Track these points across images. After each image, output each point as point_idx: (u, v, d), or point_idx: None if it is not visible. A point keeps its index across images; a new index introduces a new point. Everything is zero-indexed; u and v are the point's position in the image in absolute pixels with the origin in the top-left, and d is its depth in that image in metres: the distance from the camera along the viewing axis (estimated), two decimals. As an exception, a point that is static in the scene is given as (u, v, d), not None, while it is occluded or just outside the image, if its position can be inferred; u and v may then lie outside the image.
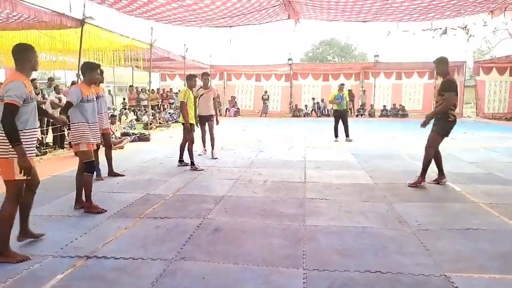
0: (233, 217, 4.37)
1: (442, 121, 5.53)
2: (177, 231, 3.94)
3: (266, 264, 3.18)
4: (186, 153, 7.23)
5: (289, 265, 3.16)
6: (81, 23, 8.87)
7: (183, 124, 7.14)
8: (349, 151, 9.10)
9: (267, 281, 2.90)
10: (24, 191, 3.34)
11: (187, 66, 17.74)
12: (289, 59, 22.94)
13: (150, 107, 16.01)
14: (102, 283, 2.90)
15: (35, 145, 3.46)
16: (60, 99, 9.85)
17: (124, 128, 13.90)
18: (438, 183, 5.84)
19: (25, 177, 3.19)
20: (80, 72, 5.28)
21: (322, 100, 22.67)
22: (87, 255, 3.34)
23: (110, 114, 9.19)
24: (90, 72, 4.78)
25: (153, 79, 20.34)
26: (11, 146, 3.10)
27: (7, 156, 3.15)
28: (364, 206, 4.77)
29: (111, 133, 8.30)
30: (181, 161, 7.29)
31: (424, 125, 5.70)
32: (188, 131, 7.06)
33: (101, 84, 5.96)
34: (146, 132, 12.47)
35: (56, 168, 6.89)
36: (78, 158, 4.80)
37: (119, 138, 10.49)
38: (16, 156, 3.12)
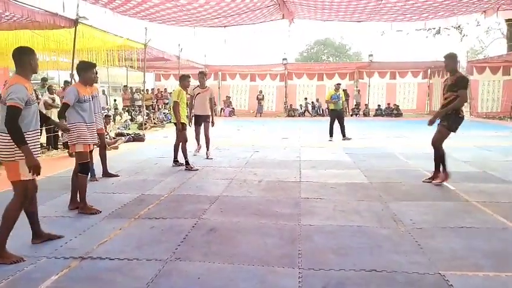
0: (228, 217, 4.37)
1: (453, 116, 5.55)
2: (172, 231, 3.93)
3: (261, 264, 3.18)
4: (180, 153, 7.23)
5: (284, 265, 3.16)
6: (75, 23, 8.83)
7: (175, 124, 7.13)
8: (344, 150, 9.13)
9: (263, 281, 2.91)
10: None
11: (181, 66, 17.71)
12: (283, 59, 22.97)
13: (144, 107, 15.95)
14: (97, 284, 2.88)
15: (38, 146, 3.52)
16: (53, 100, 9.80)
17: (118, 128, 13.85)
18: (431, 181, 5.86)
19: (34, 176, 3.28)
20: (75, 72, 5.25)
21: (317, 100, 22.71)
22: (81, 256, 3.32)
23: (104, 115, 9.15)
24: (86, 71, 4.75)
25: (148, 79, 20.28)
26: (16, 149, 3.17)
27: (13, 159, 3.23)
28: (359, 205, 4.79)
29: (106, 133, 8.26)
30: (176, 161, 7.28)
31: (431, 123, 5.79)
32: (180, 130, 7.04)
33: (94, 84, 5.94)
34: (141, 132, 12.44)
35: (50, 169, 6.85)
36: (73, 158, 4.78)
37: (113, 138, 10.45)
38: (21, 157, 3.19)
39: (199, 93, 7.95)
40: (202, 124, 8.10)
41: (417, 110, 23.32)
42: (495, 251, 3.39)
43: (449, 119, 5.58)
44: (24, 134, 3.20)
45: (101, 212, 4.52)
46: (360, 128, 14.52)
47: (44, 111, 8.46)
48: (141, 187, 5.73)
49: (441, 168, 5.76)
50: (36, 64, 3.43)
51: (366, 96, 22.99)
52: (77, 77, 5.21)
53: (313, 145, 10.18)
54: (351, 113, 21.79)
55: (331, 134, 11.26)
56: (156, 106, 19.61)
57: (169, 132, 12.56)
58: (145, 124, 14.58)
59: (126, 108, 18.14)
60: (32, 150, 3.24)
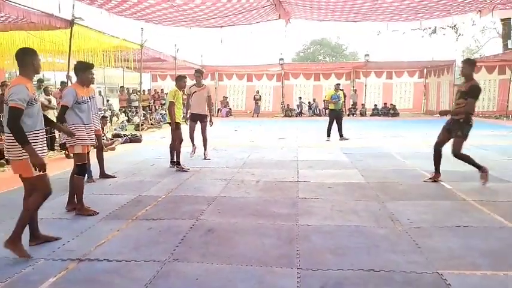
0: (226, 218, 4.37)
1: (465, 125, 5.57)
2: (170, 232, 3.93)
3: (259, 264, 3.18)
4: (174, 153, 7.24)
5: (282, 265, 3.16)
6: (71, 23, 8.79)
7: (170, 124, 7.11)
8: (341, 150, 9.14)
9: (261, 281, 2.90)
10: (28, 197, 3.50)
11: (178, 66, 17.68)
12: (280, 59, 22.97)
13: (141, 108, 15.92)
14: (94, 286, 2.88)
15: (45, 144, 3.59)
16: (49, 101, 9.77)
17: (115, 129, 13.82)
18: (434, 181, 5.90)
19: (44, 173, 3.38)
20: (72, 73, 5.22)
21: (314, 100, 22.75)
22: (79, 258, 3.31)
23: (100, 116, 9.13)
24: (84, 72, 4.73)
25: (144, 80, 20.24)
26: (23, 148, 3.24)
27: (21, 158, 3.30)
28: (356, 205, 4.80)
29: (102, 134, 8.24)
30: (172, 162, 7.26)
31: (442, 114, 6.17)
32: (173, 129, 7.02)
33: (91, 85, 5.92)
34: (137, 133, 12.41)
35: (47, 170, 6.81)
36: (70, 159, 4.77)
37: (110, 139, 10.42)
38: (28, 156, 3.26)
39: (195, 91, 7.86)
40: (199, 123, 8.00)
41: (414, 110, 23.41)
42: (492, 250, 3.40)
43: (462, 128, 5.58)
44: (31, 132, 3.31)
45: (98, 213, 4.51)
46: (356, 127, 14.54)
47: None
48: (139, 188, 5.72)
49: (477, 168, 5.76)
50: (39, 65, 3.51)
51: (363, 96, 23.06)
52: (73, 79, 5.20)
53: (311, 145, 10.20)
54: (347, 113, 21.83)
55: (328, 134, 11.28)
56: (153, 107, 19.58)
57: (166, 133, 12.52)
58: (142, 125, 14.55)
59: (123, 109, 18.09)
60: (40, 149, 3.37)
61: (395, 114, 21.55)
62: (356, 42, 64.47)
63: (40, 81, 11.91)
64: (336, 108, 11.42)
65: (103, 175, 6.41)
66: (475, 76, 5.76)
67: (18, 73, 3.61)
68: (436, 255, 3.29)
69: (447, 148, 5.68)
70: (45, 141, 3.62)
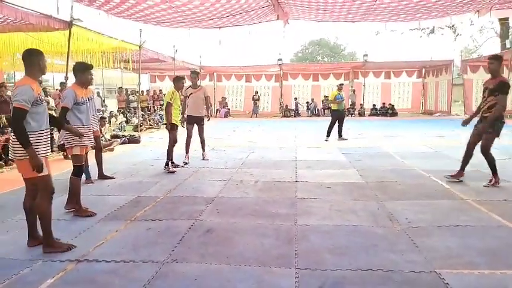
0: (225, 218, 4.37)
1: (498, 123, 5.48)
2: (169, 233, 3.93)
3: (258, 264, 3.18)
4: (174, 154, 7.23)
5: (281, 265, 3.17)
6: (69, 25, 8.79)
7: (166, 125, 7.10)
8: (339, 150, 9.15)
9: (260, 281, 2.91)
10: (29, 197, 3.58)
11: (176, 67, 17.67)
12: (279, 60, 22.98)
13: (139, 108, 15.92)
14: (93, 287, 2.88)
15: (49, 144, 3.63)
16: (48, 102, 9.76)
17: (114, 130, 13.81)
18: (456, 180, 5.86)
19: (46, 173, 3.44)
20: (72, 74, 5.22)
21: (313, 100, 22.76)
22: (77, 258, 3.31)
23: (99, 117, 9.13)
24: (83, 73, 4.73)
25: (143, 81, 20.22)
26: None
27: (26, 157, 3.32)
28: (355, 205, 4.80)
29: (101, 135, 8.24)
30: (171, 162, 7.26)
31: (466, 123, 5.96)
32: (169, 130, 7.00)
33: (89, 86, 5.91)
34: (136, 134, 12.41)
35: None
36: (68, 160, 4.77)
37: (109, 140, 10.42)
38: (39, 155, 3.32)
39: (191, 93, 7.74)
40: (195, 126, 7.84)
41: (412, 109, 23.44)
42: (490, 249, 3.41)
43: (494, 126, 5.48)
44: (37, 132, 3.36)
45: (96, 214, 4.51)
46: (355, 127, 14.56)
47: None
48: (137, 189, 5.72)
49: (492, 172, 5.69)
50: (45, 65, 3.55)
51: (361, 96, 23.08)
52: (70, 80, 5.19)
53: (309, 145, 10.20)
54: (346, 113, 21.84)
55: (328, 134, 11.23)
56: (152, 108, 19.56)
57: (165, 133, 12.50)
58: (140, 126, 14.54)
59: (121, 110, 18.06)
60: (44, 149, 3.43)
61: (393, 114, 21.58)
62: (354, 42, 64.57)
63: (38, 82, 11.91)
64: (340, 108, 11.42)
65: (102, 176, 6.41)
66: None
67: (15, 74, 3.65)
68: (434, 255, 3.30)
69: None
70: (49, 142, 3.66)
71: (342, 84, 12.25)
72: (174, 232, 3.93)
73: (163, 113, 18.16)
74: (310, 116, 22.03)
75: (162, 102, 20.56)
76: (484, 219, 4.21)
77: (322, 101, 22.76)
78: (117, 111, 18.01)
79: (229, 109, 22.95)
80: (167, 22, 9.49)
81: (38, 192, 3.49)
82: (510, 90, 5.48)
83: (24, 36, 9.91)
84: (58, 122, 4.27)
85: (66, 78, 9.64)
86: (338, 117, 11.32)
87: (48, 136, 3.59)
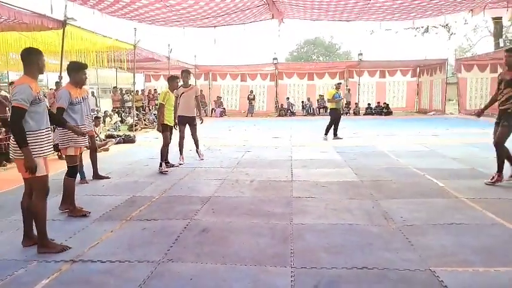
0: (220, 217, 4.37)
1: None
2: (164, 233, 3.92)
3: (254, 263, 3.18)
4: (170, 154, 7.20)
5: (277, 264, 3.17)
6: (63, 24, 8.73)
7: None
8: (335, 149, 9.17)
9: (255, 280, 2.91)
10: (27, 197, 3.57)
11: (171, 66, 17.62)
12: (274, 59, 22.97)
13: (134, 108, 15.87)
14: (88, 287, 2.87)
15: (51, 143, 3.63)
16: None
17: (108, 130, 13.75)
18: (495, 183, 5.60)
19: (47, 172, 3.46)
20: (65, 74, 5.20)
21: (309, 99, 22.78)
22: (72, 259, 3.29)
23: (93, 116, 9.08)
24: (77, 72, 4.71)
25: (137, 80, 20.17)
26: (31, 147, 3.29)
27: None
28: (350, 204, 4.82)
29: (95, 135, 8.20)
30: (167, 162, 7.24)
31: (479, 115, 5.90)
32: (160, 131, 6.95)
33: (84, 86, 5.88)
34: (131, 133, 12.36)
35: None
36: (62, 161, 4.75)
37: (104, 140, 10.38)
38: (37, 155, 3.34)
39: (183, 92, 7.57)
40: (188, 126, 7.70)
41: (407, 108, 23.53)
42: (484, 247, 3.43)
43: (509, 118, 5.38)
44: (36, 131, 3.36)
45: (90, 213, 4.49)
46: (350, 126, 14.58)
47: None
48: (132, 189, 5.70)
49: (498, 168, 5.58)
50: (43, 64, 3.55)
51: (356, 95, 23.12)
52: (64, 80, 5.16)
53: (305, 144, 10.22)
54: (342, 112, 21.89)
55: (326, 133, 11.20)
56: (147, 107, 19.51)
57: (160, 133, 12.51)
58: (135, 125, 14.49)
59: (116, 110, 18.00)
60: (45, 148, 3.44)
61: (388, 113, 21.64)
62: (349, 41, 64.68)
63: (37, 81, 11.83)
64: (337, 107, 11.46)
65: (96, 176, 6.38)
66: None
67: (8, 74, 3.64)
68: (429, 253, 3.32)
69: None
70: (51, 141, 3.63)
71: (340, 83, 12.27)
72: (170, 232, 3.92)
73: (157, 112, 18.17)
74: (306, 115, 22.05)
75: (157, 102, 20.51)
76: (479, 218, 4.23)
77: (318, 100, 22.78)
78: (112, 110, 17.94)
79: (224, 108, 22.91)
80: (162, 21, 9.47)
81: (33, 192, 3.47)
82: None
83: (17, 35, 9.84)
84: (58, 120, 4.20)
85: (60, 77, 9.59)
86: (337, 116, 11.34)
87: (50, 135, 3.58)
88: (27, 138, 3.27)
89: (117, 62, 14.60)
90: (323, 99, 22.51)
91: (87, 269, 3.14)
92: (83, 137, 4.64)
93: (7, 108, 9.70)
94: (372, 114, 21.85)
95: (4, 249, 3.54)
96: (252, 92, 23.07)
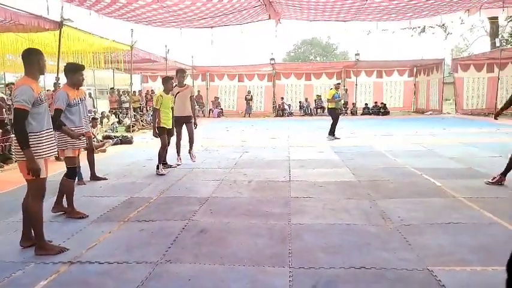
0: (218, 218, 4.37)
1: None
2: (162, 233, 3.92)
3: (252, 264, 3.19)
4: (168, 153, 7.18)
5: (275, 264, 3.18)
6: (59, 25, 8.72)
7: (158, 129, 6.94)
8: (332, 149, 9.18)
9: (253, 281, 2.91)
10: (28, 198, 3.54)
11: (168, 67, 17.60)
12: (271, 59, 22.97)
13: (132, 109, 15.84)
14: (86, 288, 2.86)
15: (54, 144, 3.64)
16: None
17: (106, 131, 13.73)
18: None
19: (46, 175, 3.46)
20: (62, 75, 5.19)
21: (306, 99, 22.80)
22: (70, 260, 3.29)
23: (91, 117, 9.07)
24: (74, 73, 4.69)
25: (135, 81, 20.11)
26: (32, 148, 3.28)
27: None
28: (348, 204, 4.83)
29: (93, 136, 8.18)
30: (164, 163, 7.23)
31: (496, 116, 5.95)
32: (156, 136, 6.88)
33: (81, 87, 5.87)
34: (128, 134, 12.34)
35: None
36: (60, 162, 4.73)
37: (101, 141, 10.36)
38: (39, 156, 3.34)
39: (178, 92, 7.43)
40: (184, 126, 7.55)
41: (404, 108, 23.58)
42: (482, 246, 3.45)
43: None
44: (39, 133, 3.37)
45: (87, 216, 4.47)
46: (347, 126, 14.61)
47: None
48: (130, 190, 5.69)
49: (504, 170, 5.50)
50: (44, 65, 3.54)
51: (353, 95, 23.16)
52: (61, 81, 5.15)
53: (302, 144, 10.23)
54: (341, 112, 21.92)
55: (333, 133, 11.20)
56: (144, 108, 19.47)
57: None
58: (133, 126, 14.47)
59: (113, 111, 17.95)
60: (48, 149, 3.45)
61: (385, 112, 21.68)
62: (346, 41, 64.97)
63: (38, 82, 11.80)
64: (337, 107, 11.50)
65: (94, 177, 6.37)
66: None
67: (5, 76, 3.62)
68: (426, 252, 3.33)
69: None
70: (54, 141, 3.64)
71: (339, 83, 12.32)
72: (168, 233, 3.92)
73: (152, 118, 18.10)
74: (303, 116, 22.06)
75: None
76: (476, 217, 4.25)
77: (315, 101, 22.80)
78: (109, 111, 17.90)
79: (222, 109, 22.90)
80: (158, 22, 9.45)
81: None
82: None
83: (14, 36, 9.81)
84: (55, 122, 4.19)
85: (57, 79, 9.56)
86: (337, 115, 11.37)
87: (52, 136, 3.58)
88: (29, 140, 3.27)
89: (114, 63, 14.56)
90: (320, 99, 22.57)
91: (85, 270, 3.13)
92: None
93: (4, 110, 9.68)
94: (369, 114, 21.89)
95: (2, 250, 3.53)
96: (249, 92, 23.07)
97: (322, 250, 3.43)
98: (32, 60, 3.42)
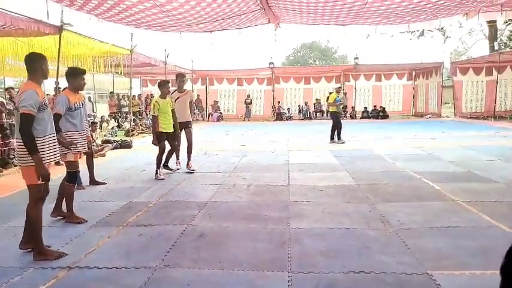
0: (217, 222, 4.36)
1: None
2: (161, 238, 3.91)
3: (251, 268, 3.18)
4: (170, 158, 7.19)
5: (274, 268, 3.17)
6: (59, 29, 8.74)
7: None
8: (331, 153, 9.18)
9: (253, 285, 2.91)
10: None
11: (168, 71, 17.62)
12: (270, 63, 23.01)
13: (131, 113, 15.85)
14: (85, 294, 2.86)
15: (57, 149, 3.64)
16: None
17: (105, 135, 13.73)
18: None
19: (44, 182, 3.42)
20: (62, 79, 5.20)
21: (306, 103, 22.82)
22: (69, 265, 3.28)
23: (90, 122, 9.07)
24: (76, 78, 4.70)
25: (134, 85, 20.13)
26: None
27: (32, 164, 3.31)
28: (347, 207, 4.83)
29: (92, 141, 8.18)
30: (166, 166, 7.21)
31: None
32: (156, 144, 6.81)
33: (80, 92, 5.86)
34: (128, 139, 12.34)
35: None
36: (58, 167, 4.73)
37: (100, 145, 10.36)
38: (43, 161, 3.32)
39: (178, 97, 7.37)
40: (183, 131, 7.44)
41: (403, 112, 23.61)
42: (481, 249, 3.44)
43: None
44: (43, 138, 3.36)
45: (86, 221, 4.46)
46: (347, 130, 14.60)
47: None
48: (129, 194, 5.69)
49: None
50: (47, 69, 3.56)
51: (353, 98, 23.19)
52: (61, 85, 5.15)
53: (301, 148, 10.23)
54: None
55: (339, 137, 11.22)
56: (144, 112, 19.48)
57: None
58: (132, 131, 14.47)
59: (113, 115, 17.97)
60: (52, 154, 3.46)
61: (384, 116, 21.70)
62: (345, 45, 65.19)
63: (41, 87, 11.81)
64: (338, 110, 11.53)
65: (93, 182, 6.37)
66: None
67: (5, 80, 3.62)
68: (425, 256, 3.33)
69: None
70: (57, 146, 3.64)
71: (340, 87, 12.35)
72: (167, 237, 3.92)
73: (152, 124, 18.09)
74: (302, 119, 22.08)
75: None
76: (475, 220, 4.25)
77: (314, 104, 22.83)
78: (109, 116, 17.92)
79: (221, 113, 22.92)
80: (158, 26, 9.47)
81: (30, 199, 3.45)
82: None
83: (13, 41, 9.83)
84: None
85: (57, 83, 9.58)
86: (338, 118, 11.39)
87: (55, 141, 3.59)
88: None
89: (114, 67, 14.58)
90: (320, 103, 22.60)
91: (84, 275, 3.13)
92: (81, 142, 4.64)
93: (3, 114, 9.69)
94: (369, 117, 21.91)
95: (0, 256, 3.52)
96: (248, 96, 23.10)
97: (321, 254, 3.43)
98: (36, 65, 3.43)
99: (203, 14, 8.28)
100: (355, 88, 23.36)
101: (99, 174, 6.64)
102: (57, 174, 5.98)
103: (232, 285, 2.91)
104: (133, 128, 15.06)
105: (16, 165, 7.95)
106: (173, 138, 7.07)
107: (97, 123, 13.06)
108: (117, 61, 13.63)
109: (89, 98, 19.64)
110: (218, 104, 23.21)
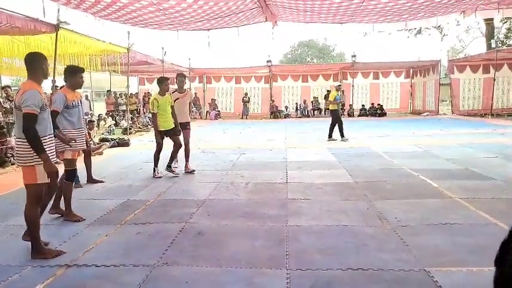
0: (215, 220, 4.36)
1: None
2: (159, 236, 3.91)
3: (249, 266, 3.18)
4: (165, 158, 7.17)
5: (272, 266, 3.18)
6: (56, 28, 8.71)
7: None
8: (329, 151, 9.19)
9: (251, 283, 2.91)
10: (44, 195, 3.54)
11: (165, 70, 17.59)
12: (268, 61, 22.98)
13: (128, 111, 15.82)
14: (83, 292, 2.85)
15: (54, 150, 3.64)
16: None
17: (103, 133, 13.70)
18: None
19: (48, 180, 3.41)
20: (58, 77, 5.18)
21: (304, 101, 22.82)
22: (67, 264, 3.28)
23: (87, 120, 9.05)
24: (73, 76, 4.68)
25: (131, 83, 20.09)
26: (34, 154, 3.27)
27: (32, 163, 3.31)
28: (344, 205, 4.83)
29: (90, 139, 8.16)
30: (168, 165, 7.14)
31: None
32: (160, 141, 6.75)
33: (78, 90, 5.84)
34: (125, 137, 12.32)
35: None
36: (58, 164, 4.70)
37: (98, 144, 10.33)
38: (38, 162, 3.32)
39: (178, 98, 7.21)
40: (182, 132, 7.25)
41: (400, 109, 23.66)
42: (478, 247, 3.45)
43: None
44: (43, 138, 3.34)
45: (84, 219, 4.45)
46: (344, 128, 14.62)
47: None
48: (127, 193, 5.68)
49: None
50: (47, 69, 3.56)
51: (350, 96, 23.21)
52: (57, 83, 5.13)
53: (299, 146, 10.24)
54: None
55: (342, 134, 11.22)
56: (142, 110, 19.44)
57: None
58: (130, 129, 14.44)
59: (110, 113, 17.93)
60: (51, 154, 3.41)
61: (382, 114, 21.73)
62: (343, 43, 65.19)
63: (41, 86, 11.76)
64: (338, 108, 11.56)
65: (90, 180, 6.36)
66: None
67: (1, 79, 3.60)
68: (423, 253, 3.34)
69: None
70: (54, 147, 3.64)
71: (340, 85, 12.34)
72: (165, 235, 3.92)
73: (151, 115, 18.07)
74: (300, 117, 22.09)
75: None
76: (472, 217, 4.26)
77: (312, 102, 22.84)
78: (106, 114, 17.87)
79: (219, 111, 22.90)
80: (155, 24, 9.45)
81: (28, 198, 3.43)
82: None
83: (10, 39, 9.79)
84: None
85: (54, 81, 9.54)
86: (338, 116, 11.39)
87: (53, 141, 3.59)
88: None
89: (111, 66, 14.54)
90: (317, 101, 22.62)
91: (82, 273, 3.12)
92: (80, 140, 4.63)
93: (0, 113, 9.66)
94: (366, 115, 21.93)
95: (-2, 254, 3.52)
96: (246, 94, 23.08)
97: (319, 251, 3.44)
98: (36, 65, 3.43)
99: (200, 12, 8.27)
100: (353, 86, 23.38)
101: (97, 173, 6.63)
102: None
103: (231, 283, 2.92)
104: (131, 126, 15.04)
105: (13, 164, 7.94)
106: (174, 133, 6.96)
107: (94, 121, 13.02)
108: (114, 59, 13.60)
109: (86, 97, 19.55)
110: (216, 102, 23.19)
